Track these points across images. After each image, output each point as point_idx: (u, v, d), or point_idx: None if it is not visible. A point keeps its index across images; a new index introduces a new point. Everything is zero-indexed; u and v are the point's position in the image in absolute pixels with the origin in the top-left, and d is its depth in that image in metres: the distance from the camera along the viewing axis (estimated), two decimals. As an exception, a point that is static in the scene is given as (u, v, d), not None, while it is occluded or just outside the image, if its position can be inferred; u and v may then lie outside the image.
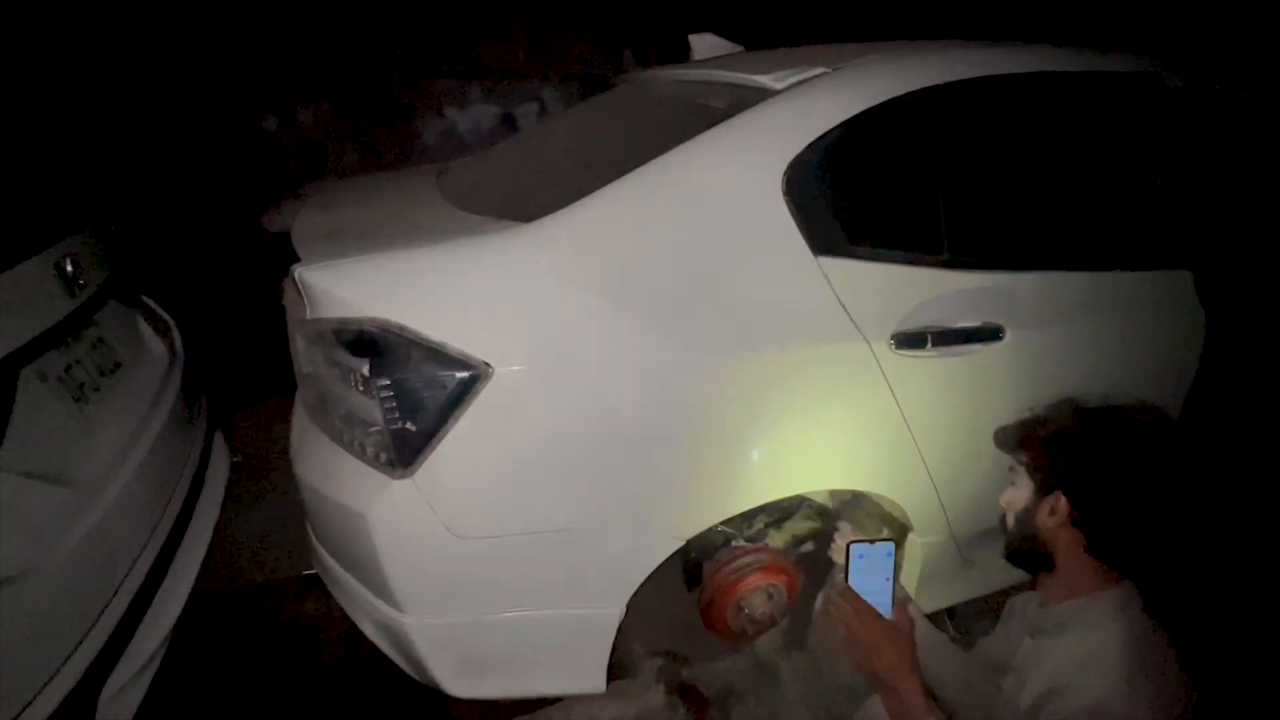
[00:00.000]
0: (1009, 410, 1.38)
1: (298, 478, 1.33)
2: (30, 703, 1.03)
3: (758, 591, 1.49)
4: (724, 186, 1.24)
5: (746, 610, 1.50)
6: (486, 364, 1.10)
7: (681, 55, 2.17)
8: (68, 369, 1.33)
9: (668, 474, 1.23)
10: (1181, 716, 0.82)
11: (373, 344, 1.11)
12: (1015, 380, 1.39)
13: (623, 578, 1.27)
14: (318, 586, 1.50)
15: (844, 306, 1.26)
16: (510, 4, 3.63)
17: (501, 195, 1.51)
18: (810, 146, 1.26)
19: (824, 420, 1.31)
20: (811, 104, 1.30)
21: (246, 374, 2.63)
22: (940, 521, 1.48)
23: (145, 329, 1.74)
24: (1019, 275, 1.40)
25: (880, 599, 0.95)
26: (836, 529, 1.41)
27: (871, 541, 0.96)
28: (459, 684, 1.28)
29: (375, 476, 1.16)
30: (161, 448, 1.46)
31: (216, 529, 1.64)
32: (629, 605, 1.29)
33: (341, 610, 1.40)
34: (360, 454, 1.18)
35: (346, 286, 1.14)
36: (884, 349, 1.29)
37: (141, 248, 1.94)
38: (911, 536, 1.49)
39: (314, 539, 1.42)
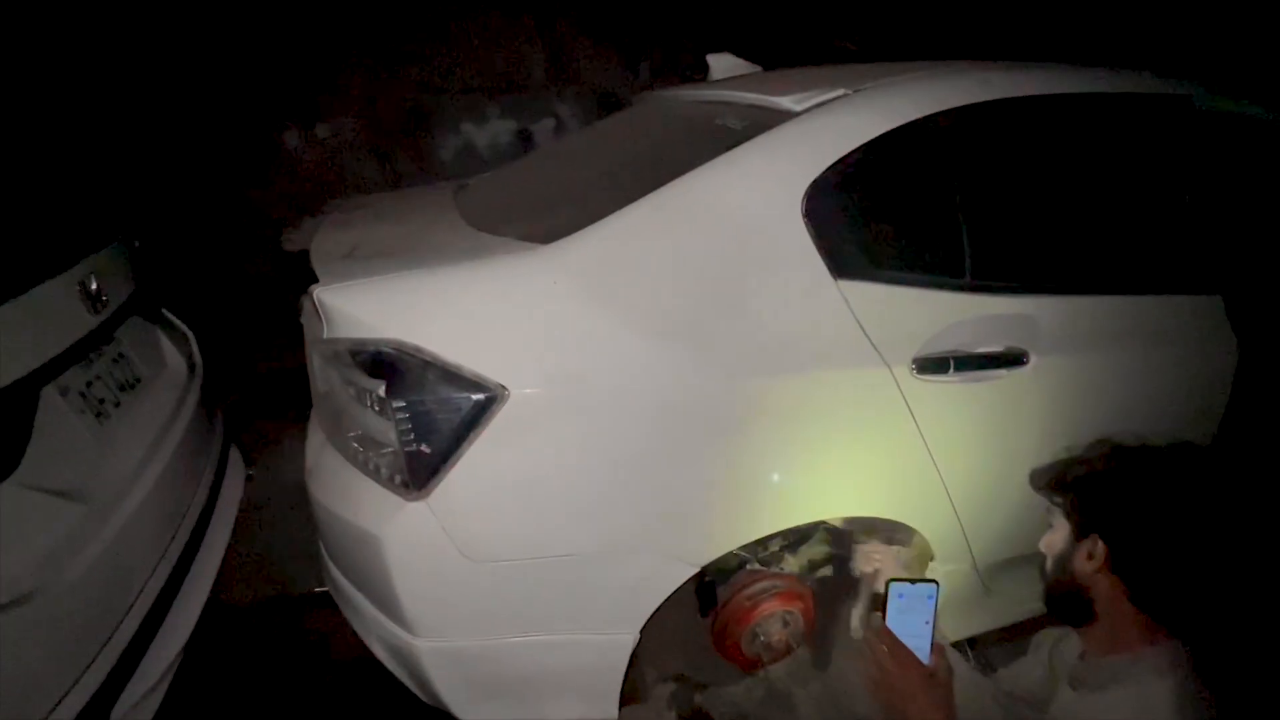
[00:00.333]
0: (1033, 437, 1.36)
1: (312, 496, 1.32)
2: (43, 721, 1.03)
3: (773, 618, 1.46)
4: (743, 209, 1.23)
5: (762, 637, 1.47)
6: (502, 386, 1.09)
7: (700, 73, 2.17)
8: (89, 385, 1.35)
9: (684, 500, 1.21)
10: None
11: (389, 365, 1.11)
12: (1040, 407, 1.36)
13: (636, 604, 1.25)
14: (329, 605, 1.49)
15: (864, 330, 1.24)
16: (528, 21, 3.67)
17: (519, 215, 1.51)
18: (831, 169, 1.24)
19: (844, 446, 1.28)
20: (832, 126, 1.29)
21: (262, 388, 2.65)
22: (962, 549, 1.45)
23: (165, 343, 1.76)
24: (1043, 299, 1.37)
25: (919, 643, 0.90)
26: (855, 547, 1.38)
27: (913, 581, 0.91)
28: (469, 708, 1.27)
29: (389, 498, 1.15)
30: (179, 463, 1.47)
31: (228, 543, 1.64)
32: (641, 630, 1.27)
33: (352, 628, 1.39)
34: (374, 475, 1.17)
35: (363, 307, 1.14)
36: (905, 374, 1.26)
37: (163, 263, 1.96)
38: (933, 564, 1.46)
39: (326, 557, 1.41)
